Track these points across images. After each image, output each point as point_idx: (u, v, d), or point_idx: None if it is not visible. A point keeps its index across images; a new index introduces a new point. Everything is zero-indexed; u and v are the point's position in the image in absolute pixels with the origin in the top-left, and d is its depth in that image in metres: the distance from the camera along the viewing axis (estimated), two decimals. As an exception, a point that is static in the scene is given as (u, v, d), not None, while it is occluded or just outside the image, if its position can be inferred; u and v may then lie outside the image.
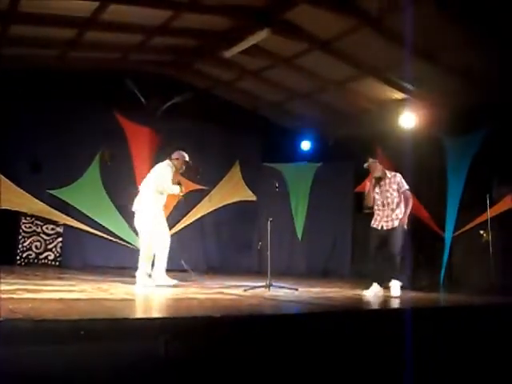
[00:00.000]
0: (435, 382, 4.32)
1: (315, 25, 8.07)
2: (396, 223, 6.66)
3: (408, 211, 6.70)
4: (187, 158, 7.29)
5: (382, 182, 6.80)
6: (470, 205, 9.00)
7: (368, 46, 8.22)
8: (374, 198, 6.86)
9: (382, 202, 6.79)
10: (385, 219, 6.73)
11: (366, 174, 10.02)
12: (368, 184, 6.96)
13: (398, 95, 9.64)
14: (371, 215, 6.97)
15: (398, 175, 6.82)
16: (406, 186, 6.77)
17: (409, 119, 9.60)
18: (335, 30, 8.04)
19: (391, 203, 6.74)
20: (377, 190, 6.83)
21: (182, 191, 7.20)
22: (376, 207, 6.86)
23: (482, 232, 8.62)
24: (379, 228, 6.75)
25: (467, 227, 9.05)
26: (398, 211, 6.70)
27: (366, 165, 6.87)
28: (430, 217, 9.46)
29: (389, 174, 6.84)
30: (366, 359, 4.11)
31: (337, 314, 4.96)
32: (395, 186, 6.75)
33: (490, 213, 8.31)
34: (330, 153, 11.37)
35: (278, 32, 8.05)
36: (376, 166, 6.80)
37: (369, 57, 8.71)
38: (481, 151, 8.84)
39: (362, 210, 11.48)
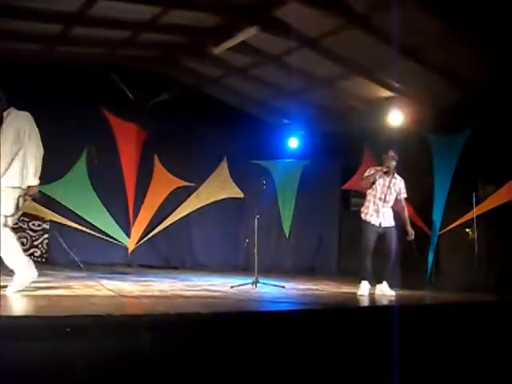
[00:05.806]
0: (422, 379, 4.35)
1: (304, 23, 8.06)
2: (393, 223, 6.76)
3: (407, 219, 6.95)
4: None
5: (390, 178, 6.78)
6: (456, 203, 9.06)
7: (356, 44, 8.23)
8: (374, 185, 6.79)
9: (385, 197, 6.74)
10: (382, 216, 6.71)
11: (353, 171, 10.16)
12: (370, 170, 6.91)
13: (386, 93, 9.66)
14: (359, 212, 6.97)
15: (403, 181, 6.93)
16: (405, 195, 6.94)
17: (396, 117, 9.63)
18: (324, 28, 8.04)
19: (390, 202, 6.80)
20: (381, 181, 6.77)
21: None
22: (375, 200, 6.78)
23: (467, 230, 8.67)
24: (377, 224, 6.70)
25: (453, 225, 9.10)
26: (391, 212, 6.81)
27: (391, 153, 6.77)
28: (417, 215, 9.50)
29: (397, 175, 6.89)
30: (354, 356, 4.13)
31: (324, 311, 4.98)
32: (398, 189, 6.84)
33: (475, 211, 8.36)
34: (317, 150, 11.38)
35: (266, 29, 8.04)
36: (392, 162, 6.75)
37: (357, 55, 8.71)
38: (466, 150, 8.89)
39: (349, 208, 11.56)
